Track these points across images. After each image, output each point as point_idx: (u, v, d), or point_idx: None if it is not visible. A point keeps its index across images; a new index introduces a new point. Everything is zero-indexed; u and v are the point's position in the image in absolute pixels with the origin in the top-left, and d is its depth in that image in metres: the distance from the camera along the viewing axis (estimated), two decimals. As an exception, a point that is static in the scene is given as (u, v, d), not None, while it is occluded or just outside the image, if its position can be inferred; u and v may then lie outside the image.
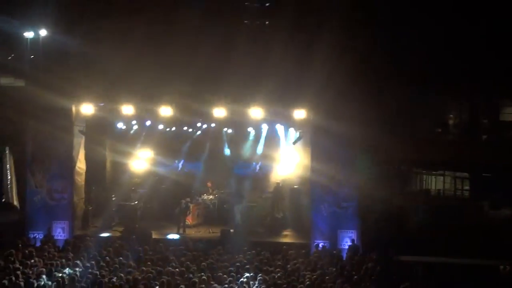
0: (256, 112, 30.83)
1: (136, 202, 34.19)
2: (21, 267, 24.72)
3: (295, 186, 34.54)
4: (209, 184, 36.42)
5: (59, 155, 31.35)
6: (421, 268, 24.61)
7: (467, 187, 34.60)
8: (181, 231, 32.56)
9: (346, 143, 30.34)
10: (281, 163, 35.37)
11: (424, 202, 32.82)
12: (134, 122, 34.07)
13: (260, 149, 35.45)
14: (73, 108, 31.41)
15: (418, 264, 24.83)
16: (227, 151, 36.32)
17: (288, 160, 34.78)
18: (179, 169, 37.09)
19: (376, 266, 25.99)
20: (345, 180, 30.56)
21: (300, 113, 30.73)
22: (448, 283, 24.31)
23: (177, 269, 25.01)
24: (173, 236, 31.89)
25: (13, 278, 23.20)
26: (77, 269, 24.88)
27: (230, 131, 35.44)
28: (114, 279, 23.62)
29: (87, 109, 31.44)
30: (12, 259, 25.81)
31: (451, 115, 35.63)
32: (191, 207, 34.07)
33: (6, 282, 22.91)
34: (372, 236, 29.47)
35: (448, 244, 27.21)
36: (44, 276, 23.73)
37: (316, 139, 30.86)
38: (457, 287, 23.66)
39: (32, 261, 25.60)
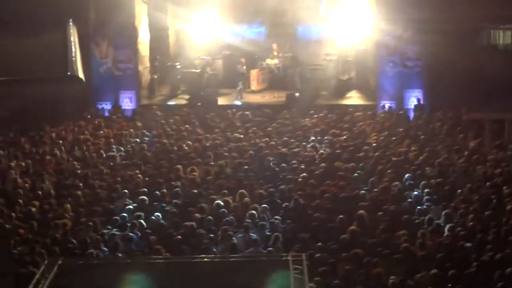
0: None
1: (200, 69, 34.15)
2: (91, 138, 25.22)
3: (360, 47, 34.02)
4: (274, 46, 36.04)
5: (122, 25, 31.32)
6: (490, 125, 24.30)
7: (537, 41, 33.67)
8: (239, 97, 32.45)
9: (413, 0, 29.69)
10: (346, 24, 34.73)
11: (491, 57, 32.09)
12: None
13: (323, 9, 34.78)
14: (134, -25, 31.24)
15: (488, 121, 24.49)
16: (290, 14, 35.71)
17: (353, 20, 34.14)
18: (243, 34, 36.68)
19: (444, 125, 25.82)
20: (412, 39, 30.07)
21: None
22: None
23: (243, 135, 25.21)
24: (239, 102, 31.91)
25: (84, 149, 23.72)
26: (145, 138, 25.26)
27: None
28: (182, 146, 23.94)
29: (148, -26, 31.25)
30: (82, 130, 26.33)
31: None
32: (247, 71, 33.83)
33: (77, 153, 23.43)
34: (439, 95, 29.10)
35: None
36: (113, 146, 24.17)
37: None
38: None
39: (101, 132, 26.04)
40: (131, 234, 16.89)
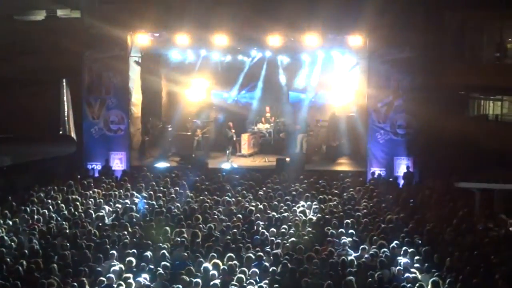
0: (311, 38, 30.47)
1: (191, 132, 34.32)
2: (80, 198, 25.15)
3: (351, 114, 34.32)
4: (267, 108, 36.28)
5: (115, 86, 31.55)
6: (480, 194, 24.35)
7: (526, 112, 34.08)
8: (230, 160, 32.52)
9: (404, 69, 30.07)
10: (337, 91, 35.04)
11: (482, 127, 32.38)
12: (189, 51, 33.91)
13: (315, 77, 35.11)
14: (129, 39, 31.43)
15: (477, 190, 24.54)
16: (282, 80, 36.03)
17: (344, 87, 34.46)
18: (235, 99, 37.07)
19: (433, 193, 25.87)
20: (402, 107, 30.33)
21: (357, 39, 30.32)
22: (508, 209, 24.08)
23: (233, 199, 25.20)
24: (229, 165, 31.96)
25: (73, 209, 23.63)
26: (134, 199, 25.19)
27: (285, 59, 35.08)
28: (171, 208, 23.90)
29: (142, 39, 31.43)
30: (72, 190, 26.26)
31: (510, 39, 34.82)
32: (238, 135, 34.05)
33: (66, 212, 23.35)
34: (429, 163, 29.26)
35: (506, 170, 26.84)
36: (102, 207, 24.09)
37: (374, 65, 30.53)
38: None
39: (91, 192, 25.99)
40: (117, 295, 16.76)
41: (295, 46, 31.91)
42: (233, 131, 33.55)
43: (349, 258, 19.14)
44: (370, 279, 17.63)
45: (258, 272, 18.13)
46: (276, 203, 24.58)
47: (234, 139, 33.73)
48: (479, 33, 34.09)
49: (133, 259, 18.79)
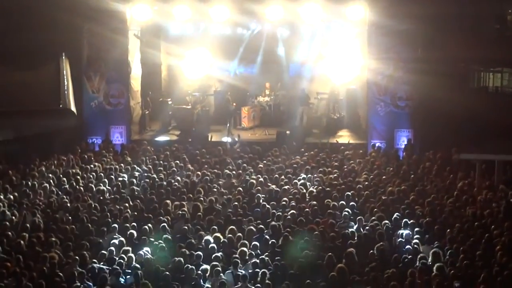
0: (311, 9, 30.22)
1: (191, 106, 34.22)
2: (80, 172, 25.15)
3: (351, 86, 34.21)
4: (267, 84, 36.12)
5: (115, 60, 31.42)
6: (480, 166, 24.35)
7: (526, 84, 34.04)
8: (230, 134, 32.38)
9: (404, 40, 29.91)
10: (336, 63, 34.87)
11: (482, 99, 32.35)
12: (188, 24, 33.73)
13: (315, 49, 34.93)
14: (128, 12, 31.23)
15: (478, 161, 24.53)
16: (281, 52, 35.85)
17: (344, 59, 34.29)
18: (235, 72, 36.89)
19: (433, 165, 25.87)
20: (403, 79, 30.21)
21: (357, 9, 30.07)
22: (508, 180, 24.08)
23: (234, 172, 25.20)
24: (229, 139, 31.86)
25: (74, 183, 23.64)
26: (135, 173, 25.19)
27: (284, 31, 34.90)
28: (172, 182, 23.91)
29: (141, 12, 31.20)
30: (72, 164, 26.26)
31: (510, 11, 34.68)
32: (238, 108, 34.01)
33: (67, 186, 23.37)
34: (429, 135, 29.23)
35: (507, 142, 26.80)
36: (103, 181, 24.10)
37: (374, 37, 30.34)
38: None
39: (91, 166, 25.97)
40: (119, 268, 16.79)
41: (294, 18, 31.69)
42: (235, 104, 33.45)
43: (350, 230, 19.20)
44: (371, 251, 17.69)
45: (259, 244, 18.20)
46: (276, 176, 24.62)
47: (234, 112, 33.58)
48: (480, 5, 33.93)
49: (134, 232, 18.85)
